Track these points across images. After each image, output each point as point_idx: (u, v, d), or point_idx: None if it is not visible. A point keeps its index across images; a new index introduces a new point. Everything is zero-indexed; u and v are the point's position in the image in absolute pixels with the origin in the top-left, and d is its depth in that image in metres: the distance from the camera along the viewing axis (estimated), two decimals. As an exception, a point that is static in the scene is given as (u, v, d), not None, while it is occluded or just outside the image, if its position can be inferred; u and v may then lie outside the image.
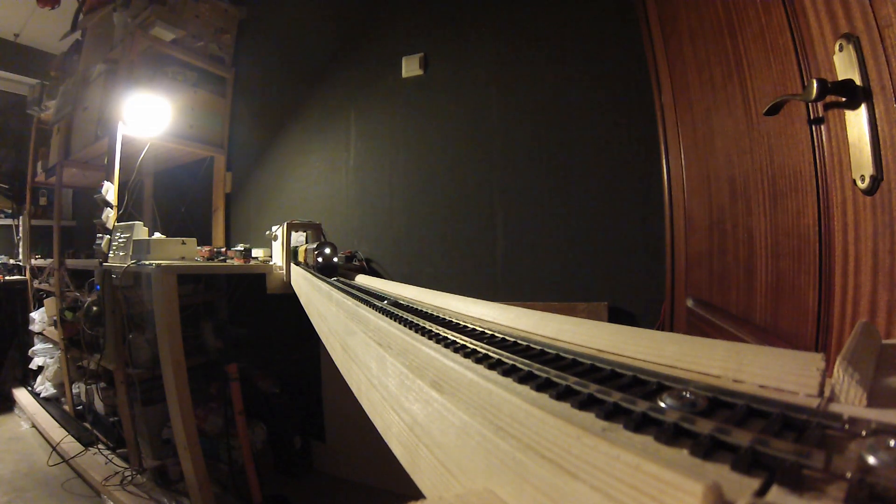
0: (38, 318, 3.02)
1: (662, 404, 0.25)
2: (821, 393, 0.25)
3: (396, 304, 0.74)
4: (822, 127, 0.60)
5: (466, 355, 0.41)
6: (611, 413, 0.26)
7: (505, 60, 1.79)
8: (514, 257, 1.74)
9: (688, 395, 0.26)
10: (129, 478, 2.02)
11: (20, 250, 3.56)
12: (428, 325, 0.54)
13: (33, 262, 3.24)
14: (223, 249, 2.25)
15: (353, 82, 2.20)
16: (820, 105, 0.59)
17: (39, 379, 3.03)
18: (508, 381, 0.34)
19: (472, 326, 0.54)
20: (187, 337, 1.85)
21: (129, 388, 2.10)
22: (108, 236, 2.10)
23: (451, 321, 0.58)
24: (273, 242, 2.13)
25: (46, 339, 3.02)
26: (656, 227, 1.45)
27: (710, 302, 1.07)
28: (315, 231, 1.85)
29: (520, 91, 1.76)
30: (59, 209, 2.90)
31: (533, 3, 1.73)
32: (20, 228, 3.62)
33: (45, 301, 3.02)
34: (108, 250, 2.09)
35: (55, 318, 2.73)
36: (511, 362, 0.37)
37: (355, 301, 0.79)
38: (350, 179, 2.20)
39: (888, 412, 0.23)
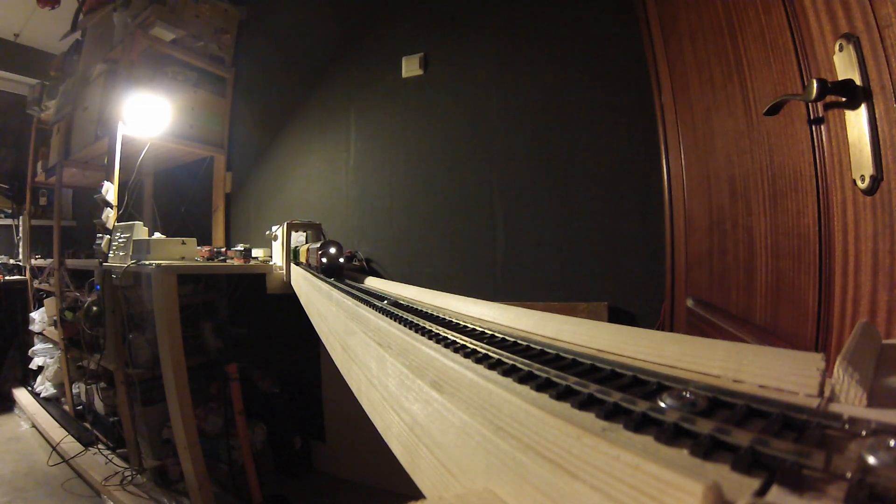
0: (38, 318, 3.02)
1: (662, 404, 0.25)
2: (821, 393, 0.25)
3: (396, 304, 0.74)
4: (822, 127, 0.60)
5: (466, 355, 0.41)
6: (611, 413, 0.26)
7: (505, 60, 1.79)
8: (514, 257, 1.74)
9: (688, 395, 0.26)
10: (129, 478, 2.02)
11: (20, 250, 3.57)
12: (428, 325, 0.54)
13: (33, 262, 3.24)
14: (223, 249, 2.25)
15: (353, 82, 2.19)
16: (820, 105, 0.59)
17: (39, 379, 3.04)
18: (508, 381, 0.34)
19: (472, 326, 0.54)
20: (187, 337, 1.85)
21: (129, 388, 2.10)
22: (108, 236, 2.10)
23: (451, 321, 0.58)
24: (273, 242, 2.13)
25: (46, 339, 3.03)
26: (656, 227, 1.45)
27: (710, 302, 1.07)
28: (315, 231, 1.85)
29: (520, 91, 1.76)
30: (59, 209, 2.90)
31: (533, 3, 1.73)
32: (20, 228, 3.62)
33: (45, 301, 3.03)
34: (108, 250, 2.09)
35: (55, 318, 2.73)
36: (511, 362, 0.37)
37: (355, 301, 0.79)
38: (350, 179, 2.20)
39: (888, 412, 0.23)
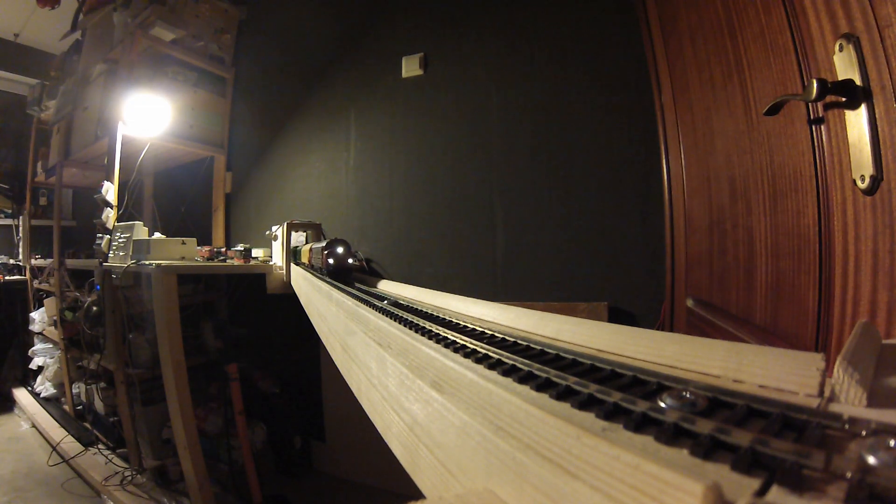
0: (38, 318, 3.02)
1: (662, 404, 0.25)
2: (821, 393, 0.25)
3: (396, 304, 0.74)
4: (822, 127, 0.60)
5: (466, 355, 0.41)
6: (611, 413, 0.26)
7: (505, 60, 1.79)
8: (514, 257, 1.74)
9: (688, 395, 0.26)
10: (129, 478, 2.02)
11: (20, 250, 3.57)
12: (428, 325, 0.54)
13: (33, 262, 3.24)
14: (223, 249, 2.25)
15: (353, 82, 2.19)
16: (820, 105, 0.59)
17: (39, 379, 3.04)
18: (508, 381, 0.34)
19: (472, 326, 0.54)
20: (187, 337, 1.85)
21: (129, 388, 2.10)
22: (108, 236, 2.10)
23: (451, 321, 0.58)
24: (273, 242, 2.13)
25: (46, 339, 3.03)
26: (656, 227, 1.45)
27: (710, 302, 1.07)
28: (315, 231, 1.85)
29: (520, 91, 1.76)
30: (59, 209, 2.90)
31: (533, 3, 1.73)
32: (20, 228, 3.62)
33: (45, 301, 3.03)
34: (108, 250, 2.09)
35: (55, 318, 2.73)
36: (511, 362, 0.37)
37: (355, 301, 0.79)
38: (350, 179, 2.20)
39: (888, 412, 0.23)
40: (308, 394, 2.29)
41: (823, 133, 0.60)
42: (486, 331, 0.50)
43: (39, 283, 3.14)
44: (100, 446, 2.32)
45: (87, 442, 2.35)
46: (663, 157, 1.39)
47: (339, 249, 1.09)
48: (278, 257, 1.99)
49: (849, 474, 0.17)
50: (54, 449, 2.33)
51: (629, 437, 0.23)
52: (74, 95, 2.61)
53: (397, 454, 0.43)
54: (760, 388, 0.28)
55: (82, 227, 3.59)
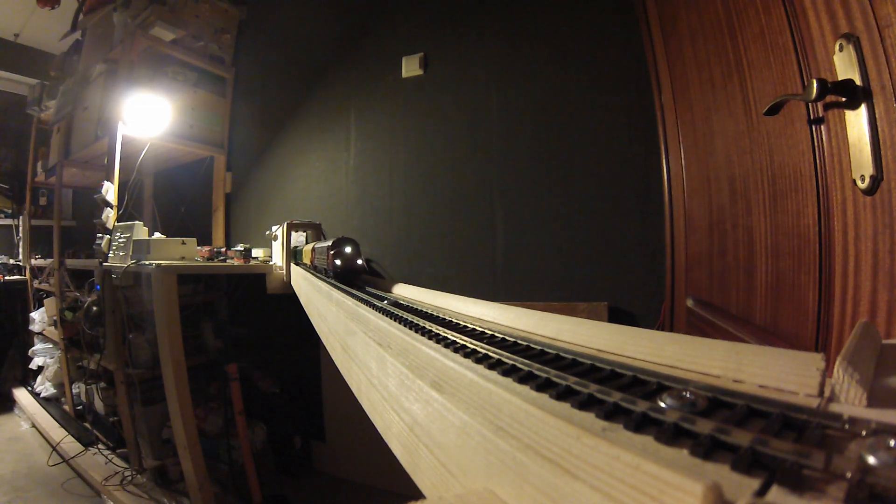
0: (38, 318, 3.02)
1: (662, 404, 0.25)
2: (821, 393, 0.25)
3: (396, 304, 0.74)
4: (822, 127, 0.60)
5: (466, 355, 0.41)
6: (611, 413, 0.26)
7: (505, 60, 1.79)
8: (514, 257, 1.74)
9: (688, 395, 0.26)
10: (129, 478, 2.02)
11: (20, 250, 3.56)
12: (428, 325, 0.54)
13: (33, 262, 3.24)
14: (223, 249, 2.25)
15: (353, 82, 2.19)
16: (820, 105, 0.59)
17: (39, 379, 3.03)
18: (508, 381, 0.34)
19: (472, 326, 0.54)
20: (187, 337, 1.85)
21: (129, 388, 2.10)
22: (108, 236, 2.10)
23: (451, 321, 0.58)
24: (273, 242, 2.13)
25: (46, 339, 3.02)
26: (656, 227, 1.45)
27: (710, 302, 1.07)
28: (315, 231, 1.85)
29: (520, 91, 1.76)
30: (59, 209, 2.90)
31: (533, 3, 1.73)
32: (20, 228, 3.62)
33: (45, 301, 3.02)
34: (108, 250, 2.09)
35: (55, 318, 2.73)
36: (511, 362, 0.37)
37: (355, 301, 0.79)
38: (350, 179, 2.20)
39: (888, 412, 0.23)
40: (308, 394, 2.29)
41: (823, 133, 0.60)
42: (486, 331, 0.50)
43: (39, 283, 3.14)
44: (100, 446, 2.31)
45: (87, 442, 2.35)
46: (663, 156, 1.39)
47: (348, 249, 1.00)
48: (278, 257, 1.99)
49: (849, 474, 0.17)
50: (54, 449, 2.33)
51: (629, 437, 0.23)
52: (74, 95, 2.61)
53: (397, 454, 0.43)
54: (760, 388, 0.28)
55: (82, 227, 3.59)
